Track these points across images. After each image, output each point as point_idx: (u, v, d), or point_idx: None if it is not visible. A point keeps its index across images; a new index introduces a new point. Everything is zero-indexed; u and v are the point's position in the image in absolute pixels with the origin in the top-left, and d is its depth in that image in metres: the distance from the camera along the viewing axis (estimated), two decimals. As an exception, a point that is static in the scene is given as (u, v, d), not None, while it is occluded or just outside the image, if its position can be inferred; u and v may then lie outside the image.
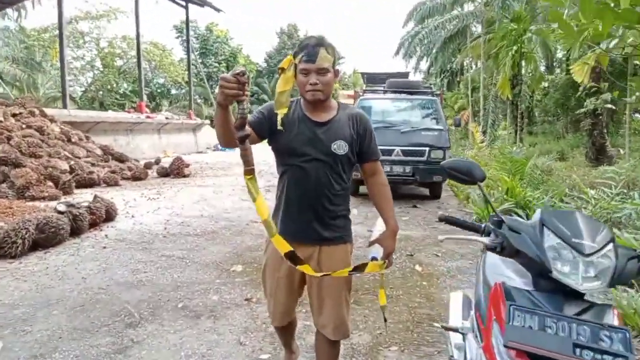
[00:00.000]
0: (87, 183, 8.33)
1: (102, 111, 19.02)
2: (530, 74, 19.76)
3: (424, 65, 29.28)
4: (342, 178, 1.90)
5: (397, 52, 26.04)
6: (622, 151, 12.52)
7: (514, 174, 9.31)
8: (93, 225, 5.33)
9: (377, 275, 3.71)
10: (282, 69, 1.77)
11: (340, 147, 1.84)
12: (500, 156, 13.04)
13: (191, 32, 36.00)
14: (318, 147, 1.83)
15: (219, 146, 19.74)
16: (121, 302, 3.36)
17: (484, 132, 19.33)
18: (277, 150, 1.92)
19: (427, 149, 7.42)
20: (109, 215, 5.65)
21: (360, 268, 1.82)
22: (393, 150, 7.40)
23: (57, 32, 28.05)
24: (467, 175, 1.73)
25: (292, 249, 1.70)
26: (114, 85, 30.51)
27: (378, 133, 6.82)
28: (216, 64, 36.85)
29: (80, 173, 8.39)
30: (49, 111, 11.01)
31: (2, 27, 27.74)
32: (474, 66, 28.86)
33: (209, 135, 20.66)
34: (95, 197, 5.68)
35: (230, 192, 8.20)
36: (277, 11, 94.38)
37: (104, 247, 4.66)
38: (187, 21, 20.62)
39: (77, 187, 8.21)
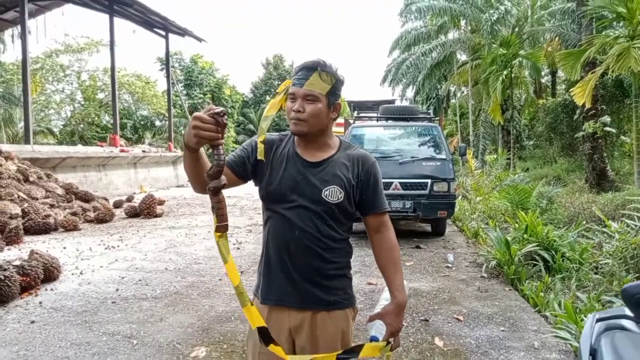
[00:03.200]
0: (42, 229, 7.25)
1: (73, 145, 17.95)
2: (523, 99, 19.43)
3: (410, 92, 29.02)
4: (335, 230, 1.52)
5: (383, 80, 25.66)
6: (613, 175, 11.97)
7: (518, 204, 8.52)
8: (27, 289, 4.28)
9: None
10: (277, 93, 1.58)
11: (333, 194, 1.49)
12: (497, 182, 12.34)
13: (175, 64, 35.60)
14: (306, 193, 1.49)
15: (201, 179, 18.78)
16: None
17: (475, 158, 18.74)
18: (261, 193, 1.57)
19: (429, 181, 6.54)
20: (50, 275, 4.60)
21: (354, 350, 1.47)
22: (391, 183, 6.50)
23: (37, 65, 27.48)
24: None
25: (264, 324, 1.41)
26: (95, 118, 29.62)
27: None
28: (201, 95, 36.31)
29: (34, 217, 7.33)
30: (7, 147, 9.99)
31: (-21, 62, 26.95)
32: (458, 93, 28.65)
33: (190, 168, 19.69)
34: (32, 252, 4.64)
35: (205, 235, 7.17)
36: (263, 41, 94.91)
37: (33, 322, 3.61)
38: (167, 51, 19.90)
39: (31, 233, 7.14)
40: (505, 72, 16.25)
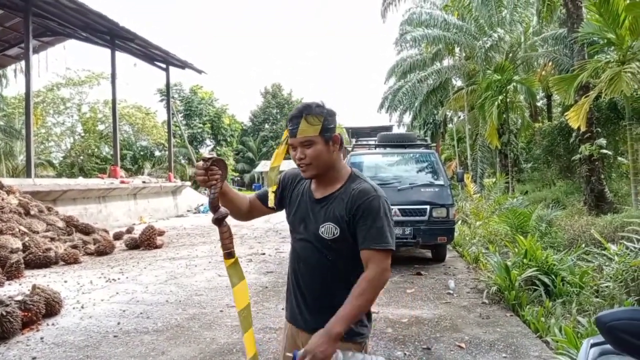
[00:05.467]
0: (42, 262, 7.25)
1: (73, 178, 18.06)
2: (519, 122, 19.64)
3: (407, 118, 29.37)
4: (337, 265, 1.58)
5: (381, 107, 26.01)
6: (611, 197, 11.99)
7: (517, 228, 8.54)
8: (29, 324, 4.28)
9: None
10: (280, 144, 1.72)
11: (328, 231, 1.57)
12: (496, 206, 12.37)
13: (175, 95, 36.17)
14: (309, 227, 1.62)
15: (200, 208, 18.80)
16: None
17: (474, 182, 18.81)
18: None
19: (428, 207, 6.60)
20: (52, 309, 4.60)
21: None
22: (390, 210, 6.55)
23: (38, 98, 27.88)
24: None
25: (255, 352, 1.56)
26: (95, 149, 29.88)
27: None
28: (201, 125, 36.73)
29: (35, 251, 7.34)
30: (9, 181, 10.08)
31: (-19, 96, 27.42)
32: (455, 118, 28.97)
33: (190, 197, 19.73)
34: (34, 287, 4.65)
35: (205, 266, 7.18)
36: (262, 70, 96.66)
37: (34, 358, 3.60)
38: (168, 83, 20.24)
39: (31, 267, 7.14)
40: (500, 97, 16.50)
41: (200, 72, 20.05)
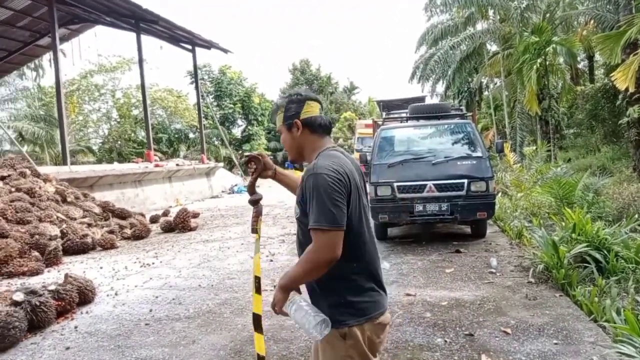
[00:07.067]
0: (80, 248, 7.38)
1: (112, 162, 18.45)
2: (560, 86, 18.59)
3: (440, 88, 28.39)
4: (305, 243, 1.61)
5: (412, 77, 25.18)
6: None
7: (562, 198, 8.06)
8: (63, 313, 4.30)
9: None
10: None
11: (295, 210, 1.68)
12: (538, 175, 11.78)
13: (204, 76, 36.21)
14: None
15: (234, 188, 18.92)
16: None
17: (513, 151, 18.04)
18: None
19: (465, 181, 6.24)
20: (85, 297, 4.61)
21: None
22: (425, 185, 6.25)
23: (73, 86, 28.56)
24: None
25: (260, 312, 1.82)
26: (131, 134, 30.51)
27: (405, 167, 5.58)
28: (231, 105, 36.75)
29: (72, 238, 7.47)
30: (46, 169, 10.32)
31: (22, 87, 28.32)
32: (491, 85, 27.78)
33: (224, 177, 19.88)
34: (67, 276, 4.66)
35: (238, 248, 7.11)
36: (290, 47, 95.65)
37: (68, 348, 3.60)
38: (195, 64, 20.18)
39: (69, 253, 7.28)
40: (539, 60, 15.60)
41: (226, 51, 19.88)
